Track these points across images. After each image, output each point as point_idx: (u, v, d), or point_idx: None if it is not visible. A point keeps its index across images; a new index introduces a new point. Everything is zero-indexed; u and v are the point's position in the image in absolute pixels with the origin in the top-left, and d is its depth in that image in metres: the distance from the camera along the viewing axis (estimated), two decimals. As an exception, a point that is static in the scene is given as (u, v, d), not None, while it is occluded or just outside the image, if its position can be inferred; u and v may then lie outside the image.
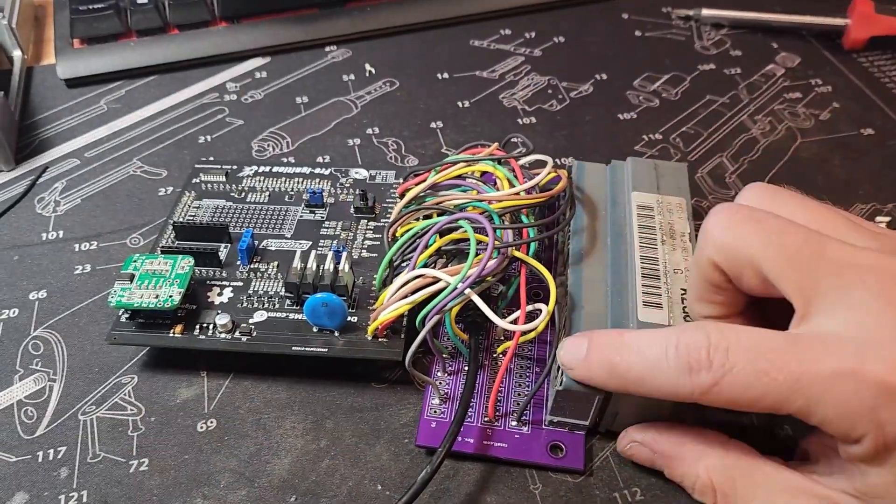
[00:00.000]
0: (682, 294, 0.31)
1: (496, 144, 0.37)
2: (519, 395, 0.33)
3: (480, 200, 0.34)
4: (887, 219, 0.41)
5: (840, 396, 0.23)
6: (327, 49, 0.53)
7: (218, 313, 0.33)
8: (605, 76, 0.51)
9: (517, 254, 0.32)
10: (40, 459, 0.31)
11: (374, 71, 0.51)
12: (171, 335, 0.33)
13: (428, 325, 0.30)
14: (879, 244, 0.26)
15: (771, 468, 0.27)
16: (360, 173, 0.41)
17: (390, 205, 0.39)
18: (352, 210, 0.39)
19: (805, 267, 0.25)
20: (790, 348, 0.24)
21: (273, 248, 0.37)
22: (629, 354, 0.27)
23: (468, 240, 0.31)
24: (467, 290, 0.30)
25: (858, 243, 0.25)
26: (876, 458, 0.23)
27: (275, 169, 0.41)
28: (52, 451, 0.31)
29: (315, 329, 0.33)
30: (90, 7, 0.51)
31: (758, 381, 0.23)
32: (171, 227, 0.38)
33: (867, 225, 0.27)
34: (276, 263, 0.36)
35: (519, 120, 0.48)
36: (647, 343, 0.26)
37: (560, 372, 0.30)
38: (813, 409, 0.23)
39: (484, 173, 0.36)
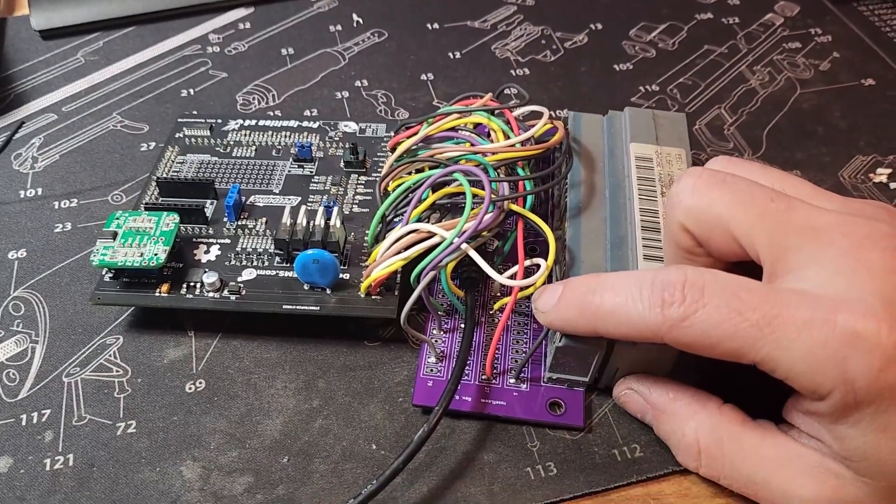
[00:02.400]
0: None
1: (490, 95, 0.36)
2: (517, 352, 0.32)
3: (475, 153, 0.33)
4: (888, 170, 0.40)
5: (810, 344, 0.22)
6: (313, -1, 0.51)
7: (205, 271, 0.32)
8: (599, 26, 0.50)
9: (514, 207, 0.31)
10: (24, 423, 0.30)
11: (361, 21, 0.50)
12: (157, 294, 0.32)
13: (423, 282, 0.29)
14: (844, 207, 0.26)
15: (760, 434, 0.26)
16: (350, 127, 0.40)
17: (381, 159, 0.38)
18: (342, 164, 0.38)
19: (774, 225, 0.24)
20: (766, 293, 0.23)
21: (261, 204, 0.36)
22: (603, 292, 0.26)
23: (463, 193, 0.30)
24: (463, 245, 0.29)
25: (824, 206, 0.25)
26: (843, 415, 0.23)
27: (261, 122, 0.40)
28: (35, 414, 0.30)
29: (306, 287, 0.32)
30: (63, -46, 0.48)
31: (729, 320, 0.23)
32: (154, 184, 0.36)
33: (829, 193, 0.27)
34: (264, 220, 0.35)
35: (512, 71, 0.46)
36: (623, 281, 0.26)
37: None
38: (782, 358, 0.23)
39: (477, 125, 0.35)
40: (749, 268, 0.26)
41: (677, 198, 0.27)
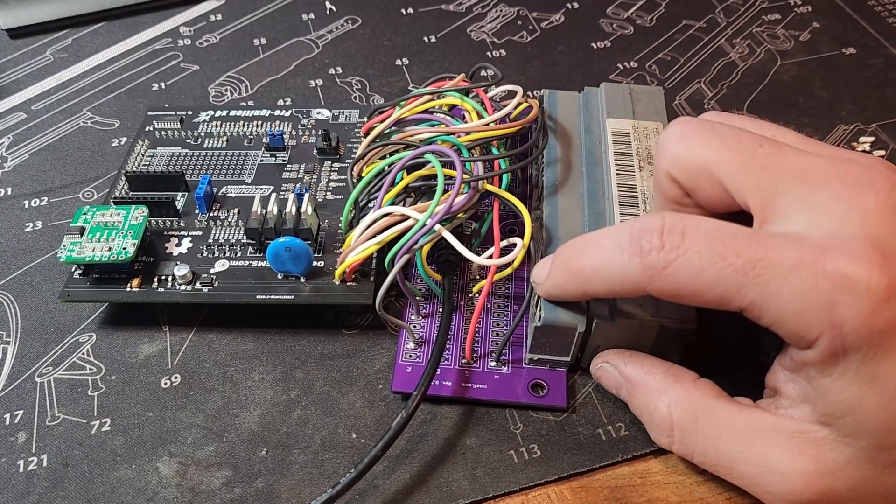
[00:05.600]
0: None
1: (462, 75, 0.35)
2: (497, 334, 0.31)
3: (448, 134, 0.32)
4: (871, 139, 0.40)
5: (798, 288, 0.21)
6: (285, -12, 0.51)
7: (176, 264, 0.31)
8: (576, 4, 0.49)
9: (489, 187, 0.31)
10: (-4, 425, 0.30)
11: (334, 8, 0.49)
12: (129, 289, 0.31)
13: (397, 265, 0.29)
14: (836, 154, 0.25)
15: (736, 408, 0.25)
16: (323, 113, 0.39)
17: (355, 145, 0.37)
18: (315, 152, 0.37)
19: (763, 170, 0.24)
20: (751, 237, 0.22)
21: (233, 195, 0.35)
22: (587, 251, 0.26)
23: (437, 175, 0.30)
24: (437, 227, 0.29)
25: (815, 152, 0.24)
26: (832, 364, 0.22)
27: (232, 113, 0.39)
28: (7, 415, 0.30)
29: (280, 276, 0.31)
30: (29, -49, 0.48)
31: (712, 266, 0.22)
32: (123, 178, 0.36)
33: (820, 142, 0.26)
34: (236, 210, 0.34)
35: (488, 53, 0.46)
36: (605, 235, 0.25)
37: (538, 308, 0.29)
38: (768, 303, 0.22)
39: (452, 107, 0.35)
40: (740, 221, 0.25)
41: (664, 146, 0.26)
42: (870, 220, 0.22)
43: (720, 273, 0.22)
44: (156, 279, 0.31)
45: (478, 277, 0.33)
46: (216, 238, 0.33)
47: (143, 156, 0.37)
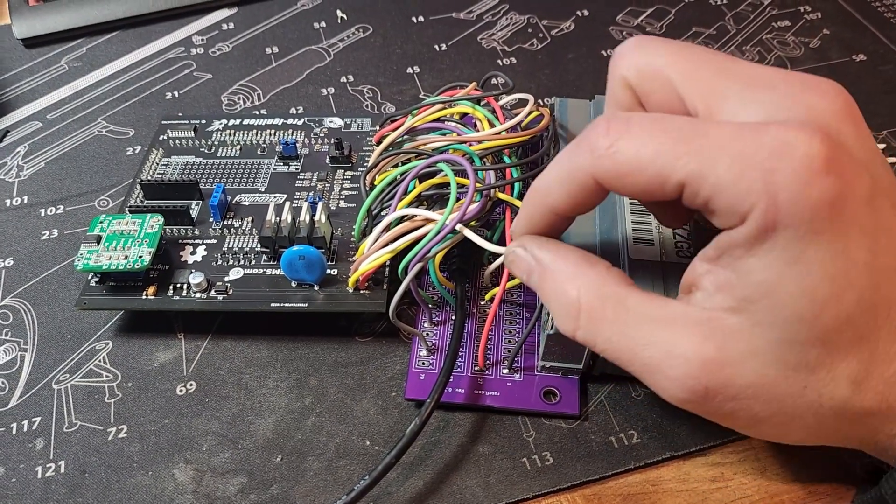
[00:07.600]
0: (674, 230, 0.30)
1: (474, 84, 0.36)
2: (509, 342, 0.32)
3: (460, 142, 0.32)
4: (882, 146, 0.40)
5: (737, 154, 0.21)
6: (296, -4, 0.51)
7: (191, 272, 0.32)
8: (586, 12, 0.49)
9: (501, 195, 0.31)
10: (14, 431, 0.30)
11: (345, 17, 0.49)
12: (144, 297, 0.32)
13: (411, 273, 0.29)
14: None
15: (646, 297, 0.24)
16: (335, 122, 0.39)
17: (367, 153, 0.38)
18: (327, 160, 0.37)
19: (713, 73, 0.24)
20: (693, 120, 0.23)
21: (247, 203, 0.35)
22: (546, 168, 0.25)
23: (449, 184, 0.30)
24: (458, 226, 0.29)
25: None
26: (760, 241, 0.21)
27: (245, 121, 0.40)
28: (26, 422, 0.30)
29: (294, 284, 0.32)
30: (44, -38, 0.48)
31: (652, 140, 0.22)
32: (138, 187, 0.36)
33: None
34: (250, 219, 0.34)
35: (499, 61, 0.46)
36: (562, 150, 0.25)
37: (551, 315, 0.29)
38: (706, 172, 0.21)
39: (464, 115, 0.35)
40: None
41: (620, 53, 0.26)
42: (816, 113, 0.22)
43: (661, 146, 0.22)
44: (171, 287, 0.32)
45: (489, 285, 0.33)
46: (230, 246, 0.33)
47: (157, 164, 0.38)
